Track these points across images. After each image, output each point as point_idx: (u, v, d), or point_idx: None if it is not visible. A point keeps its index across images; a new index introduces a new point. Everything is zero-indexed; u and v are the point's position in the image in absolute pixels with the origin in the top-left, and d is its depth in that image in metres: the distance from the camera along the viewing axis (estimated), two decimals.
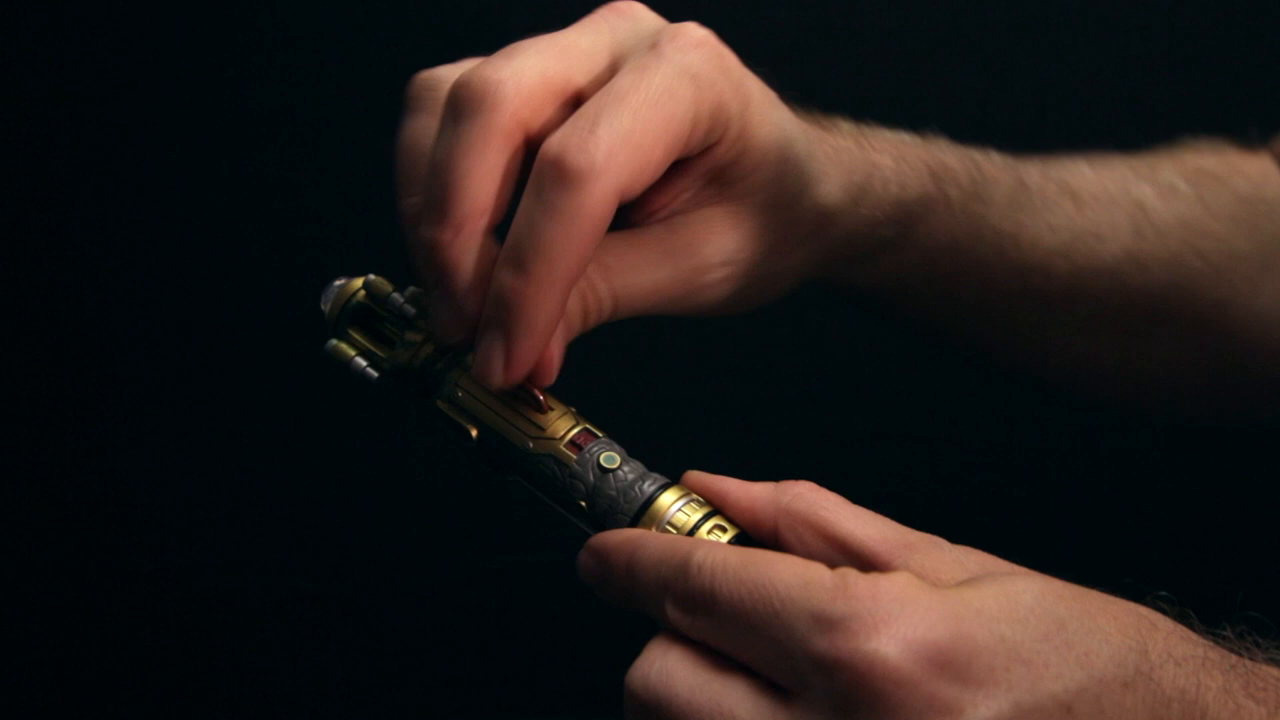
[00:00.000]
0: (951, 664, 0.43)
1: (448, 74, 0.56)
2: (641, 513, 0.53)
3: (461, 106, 0.52)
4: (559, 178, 0.50)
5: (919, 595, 0.44)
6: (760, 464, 1.19)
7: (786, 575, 0.45)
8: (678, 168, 0.55)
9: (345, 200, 1.16)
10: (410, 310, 0.58)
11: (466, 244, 0.53)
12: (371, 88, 1.16)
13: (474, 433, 0.56)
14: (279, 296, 1.15)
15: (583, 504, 0.54)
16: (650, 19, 0.56)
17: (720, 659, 0.46)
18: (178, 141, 1.16)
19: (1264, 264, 0.75)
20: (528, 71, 0.53)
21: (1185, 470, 1.18)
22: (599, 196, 0.50)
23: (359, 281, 0.61)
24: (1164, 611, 0.46)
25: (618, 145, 0.50)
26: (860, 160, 0.66)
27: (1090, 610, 0.45)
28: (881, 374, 1.17)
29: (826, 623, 0.43)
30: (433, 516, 1.17)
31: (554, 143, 0.50)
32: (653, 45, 0.53)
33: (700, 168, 0.57)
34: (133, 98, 1.15)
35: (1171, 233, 0.74)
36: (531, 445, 0.55)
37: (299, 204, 1.17)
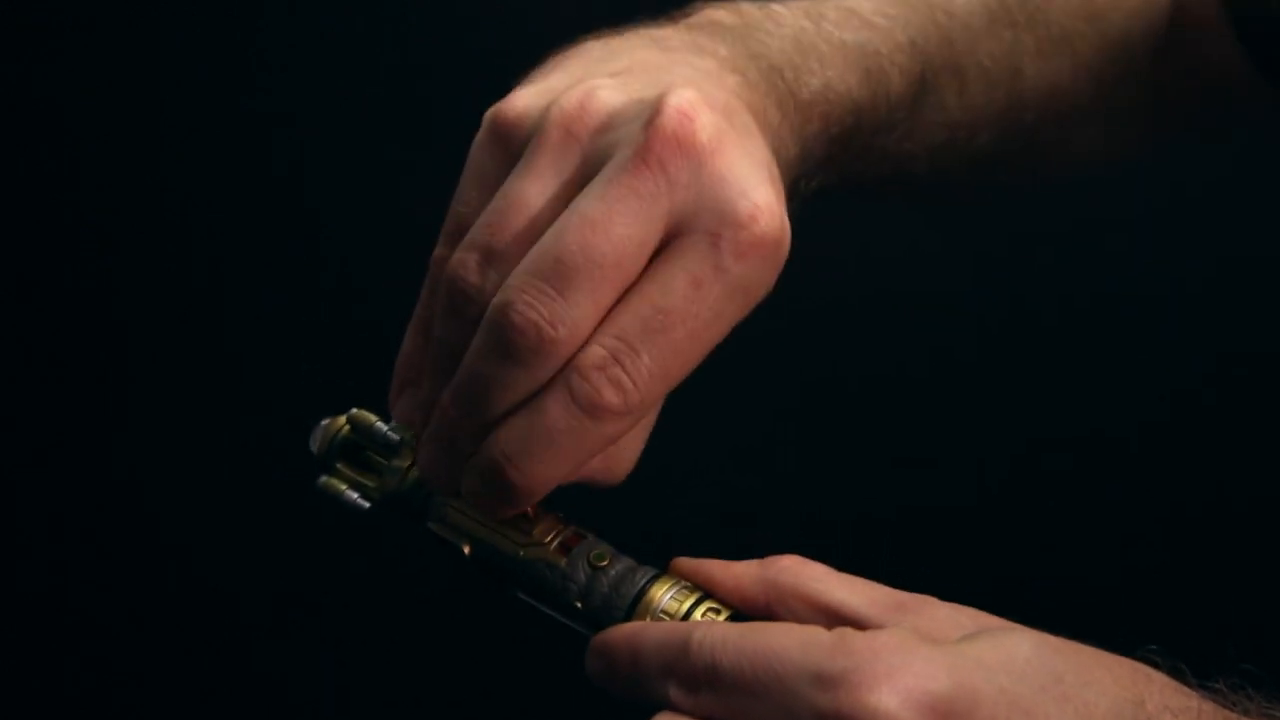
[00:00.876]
0: (953, 714, 0.43)
1: (531, 108, 0.54)
2: (635, 604, 0.54)
3: (512, 348, 0.49)
4: (590, 407, 0.49)
5: (917, 648, 0.45)
6: (754, 494, 1.19)
7: (785, 639, 0.46)
8: None
9: (344, 202, 1.17)
10: (394, 438, 0.60)
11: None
12: (376, 90, 1.17)
13: (466, 549, 0.57)
14: (279, 295, 1.15)
15: (578, 604, 0.55)
16: (709, 177, 0.49)
17: None
18: (177, 142, 1.16)
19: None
20: (583, 321, 0.49)
21: (1185, 483, 1.18)
22: (624, 428, 0.50)
23: (342, 419, 0.62)
24: (1156, 665, 0.46)
25: (657, 382, 0.49)
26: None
27: (1085, 664, 0.45)
28: (871, 395, 1.18)
29: (827, 680, 0.44)
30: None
31: (592, 360, 0.48)
32: (712, 241, 0.49)
33: None
34: (131, 99, 1.15)
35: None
36: (522, 553, 0.56)
37: (298, 205, 1.17)
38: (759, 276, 0.50)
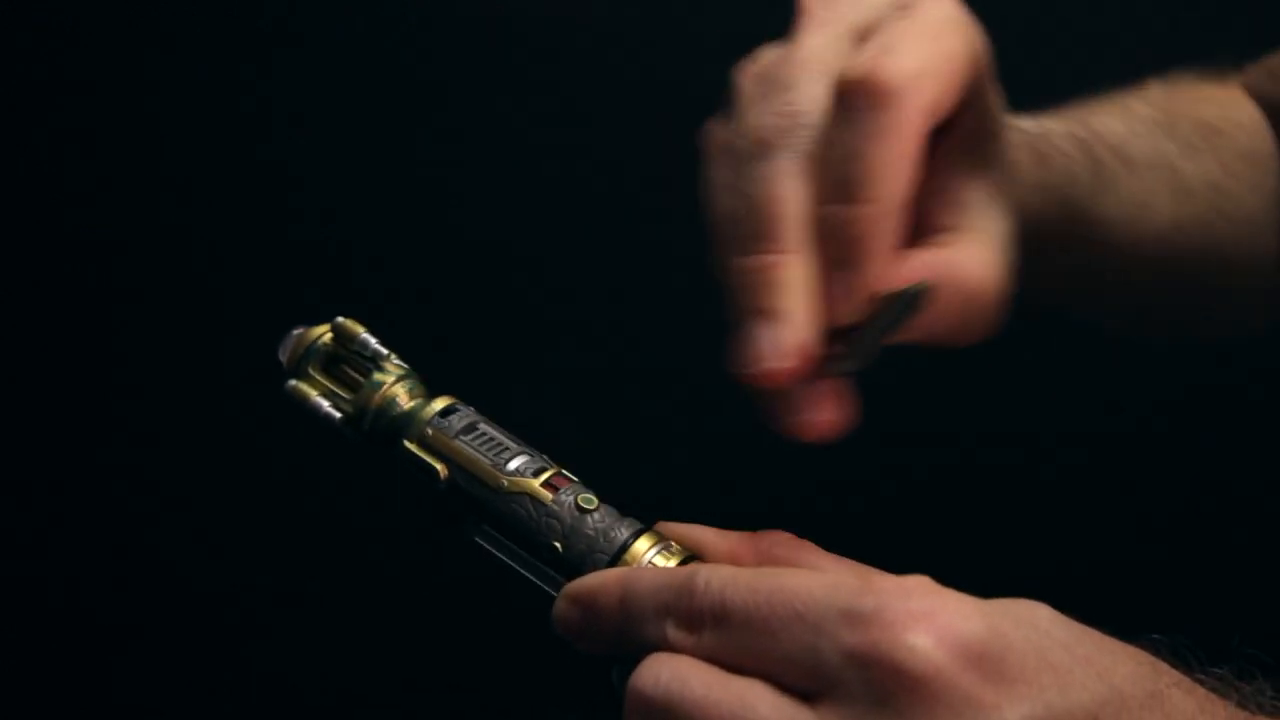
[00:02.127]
0: (986, 661, 0.42)
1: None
2: (621, 553, 0.52)
3: (860, 102, 0.50)
4: (872, 98, 0.49)
5: (948, 592, 0.44)
6: (751, 474, 1.19)
7: (805, 580, 0.45)
8: (938, 144, 0.53)
9: (344, 203, 1.16)
10: (382, 350, 0.57)
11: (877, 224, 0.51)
12: (368, 86, 1.17)
13: (443, 472, 0.55)
14: (279, 294, 1.15)
15: (557, 545, 0.53)
16: None
17: (730, 668, 0.45)
18: (177, 142, 1.16)
19: (1270, 222, 0.74)
20: (911, 63, 0.50)
21: (1185, 474, 1.18)
22: (912, 112, 0.50)
23: (322, 327, 0.59)
24: (1158, 653, 0.46)
25: (918, 63, 0.50)
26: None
27: (1097, 638, 0.45)
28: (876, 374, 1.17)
29: (859, 618, 0.43)
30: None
31: (856, 68, 0.50)
32: (902, 5, 0.52)
33: (960, 135, 0.55)
34: (131, 98, 1.15)
35: (1200, 194, 0.73)
36: (506, 484, 0.54)
37: (297, 206, 1.16)
38: (959, 15, 0.54)
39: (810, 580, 0.45)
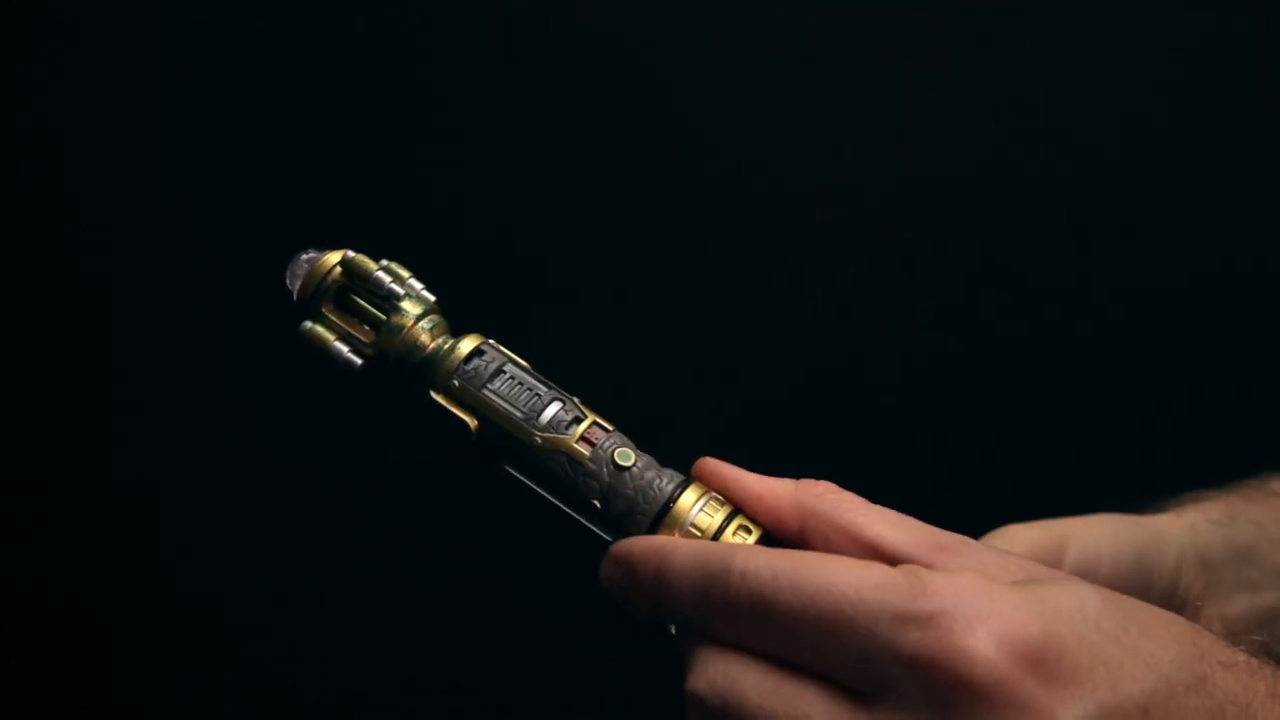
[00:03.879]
0: (1044, 663, 0.42)
1: None
2: (663, 514, 0.50)
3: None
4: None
5: (1000, 592, 0.43)
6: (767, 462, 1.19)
7: (850, 576, 0.44)
8: None
9: (344, 207, 1.16)
10: (398, 290, 0.53)
11: None
12: (367, 87, 1.16)
13: (473, 425, 0.52)
14: (279, 294, 1.14)
15: (596, 504, 0.51)
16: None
17: (781, 664, 0.45)
18: (176, 142, 1.16)
19: None
20: None
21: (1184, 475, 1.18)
22: None
23: (334, 257, 0.55)
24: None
25: None
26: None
27: (1144, 618, 0.45)
28: (885, 373, 1.17)
29: (913, 620, 0.42)
30: (432, 516, 1.17)
31: None
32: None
33: None
34: (129, 98, 1.15)
35: None
36: (540, 440, 0.51)
37: (296, 208, 1.16)
38: None
39: (858, 578, 0.44)
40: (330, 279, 0.54)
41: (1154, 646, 0.44)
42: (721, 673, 0.45)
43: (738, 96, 1.14)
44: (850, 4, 1.15)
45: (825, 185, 1.16)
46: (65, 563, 1.17)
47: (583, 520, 0.52)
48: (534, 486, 0.52)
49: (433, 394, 0.52)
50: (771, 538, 0.50)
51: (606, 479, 0.51)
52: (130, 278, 1.16)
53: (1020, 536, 0.59)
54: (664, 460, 0.53)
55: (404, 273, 0.54)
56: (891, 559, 0.47)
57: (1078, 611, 0.44)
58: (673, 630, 0.50)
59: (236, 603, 1.18)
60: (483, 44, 1.14)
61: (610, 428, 0.52)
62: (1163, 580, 0.61)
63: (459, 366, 0.52)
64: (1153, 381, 1.17)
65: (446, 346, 0.53)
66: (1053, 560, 0.58)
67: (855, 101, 1.16)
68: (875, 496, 0.51)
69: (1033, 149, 1.16)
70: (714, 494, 0.51)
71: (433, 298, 0.55)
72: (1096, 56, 1.16)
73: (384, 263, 0.54)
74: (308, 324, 0.54)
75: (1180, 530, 0.65)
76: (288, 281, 0.56)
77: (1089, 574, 0.58)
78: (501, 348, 0.54)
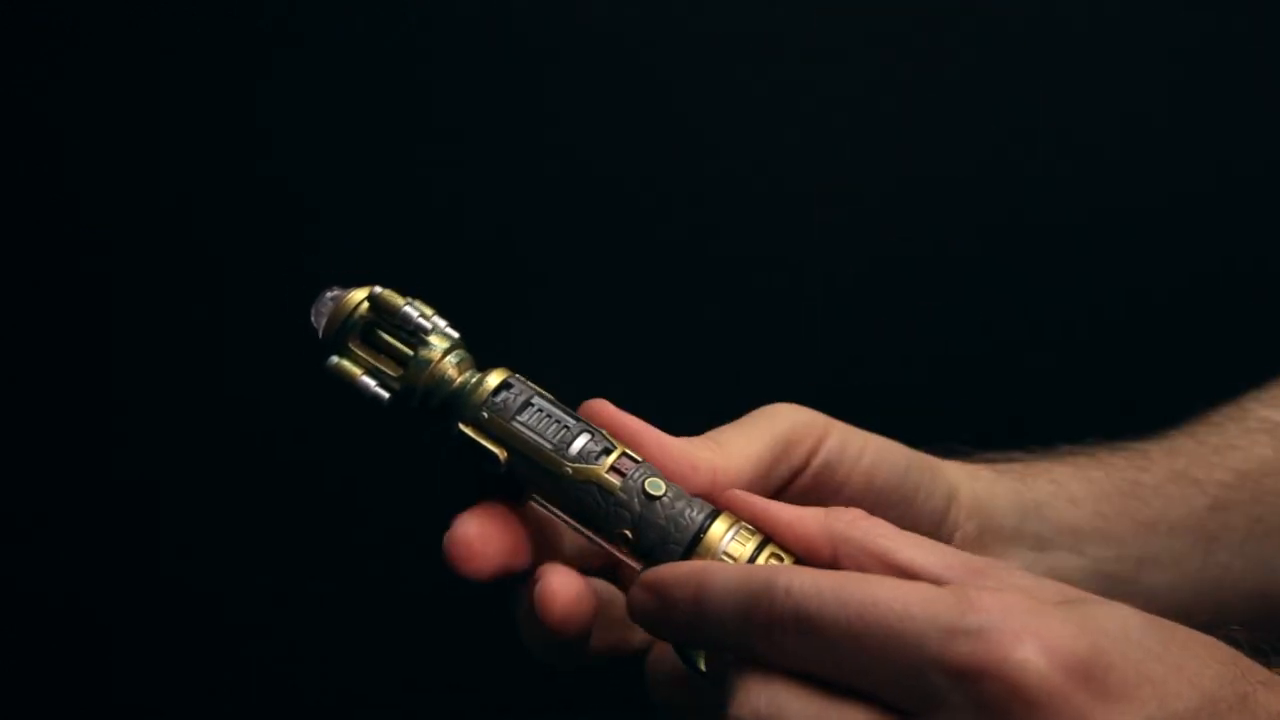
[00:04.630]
0: (1093, 678, 0.42)
1: None
2: (695, 543, 0.50)
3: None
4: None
5: (1048, 608, 0.43)
6: None
7: (897, 592, 0.44)
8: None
9: (344, 207, 1.16)
10: (425, 324, 0.54)
11: None
12: (359, 86, 1.16)
13: (503, 456, 0.52)
14: (279, 294, 1.15)
15: (628, 533, 0.51)
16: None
17: (825, 686, 0.44)
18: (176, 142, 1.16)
19: None
20: None
21: None
22: None
23: (359, 294, 0.56)
24: (1238, 643, 0.46)
25: None
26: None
27: (1183, 638, 0.45)
28: (890, 376, 1.17)
29: (964, 634, 0.42)
30: (432, 516, 1.17)
31: None
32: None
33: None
34: (129, 98, 1.15)
35: None
36: (570, 470, 0.52)
37: (296, 208, 1.16)
38: None
39: (904, 594, 0.44)
40: (357, 315, 0.55)
41: (1197, 665, 0.44)
42: (766, 698, 0.44)
43: (738, 96, 1.14)
44: (850, 4, 1.15)
45: (825, 185, 1.16)
46: (65, 563, 1.17)
47: (613, 550, 0.52)
48: (564, 517, 0.53)
49: (461, 426, 0.53)
50: (805, 565, 0.50)
51: (638, 509, 0.51)
52: (130, 278, 1.16)
53: (784, 415, 0.58)
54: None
55: (429, 310, 0.55)
56: (927, 582, 0.46)
57: (1121, 629, 0.44)
58: (701, 666, 0.50)
59: (236, 603, 1.18)
60: (483, 44, 1.14)
61: (639, 459, 0.52)
62: (931, 502, 0.60)
63: (487, 399, 0.53)
64: (1153, 381, 1.17)
65: (474, 380, 0.54)
66: (812, 441, 0.57)
67: (855, 101, 1.16)
68: None
69: (1033, 149, 1.16)
70: (744, 524, 0.51)
71: (457, 334, 0.56)
72: (1096, 56, 1.16)
73: (409, 300, 0.55)
74: (335, 359, 0.55)
75: (959, 471, 0.65)
76: (313, 319, 0.56)
77: (849, 464, 0.58)
78: (528, 381, 0.55)
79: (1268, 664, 0.46)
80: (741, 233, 1.16)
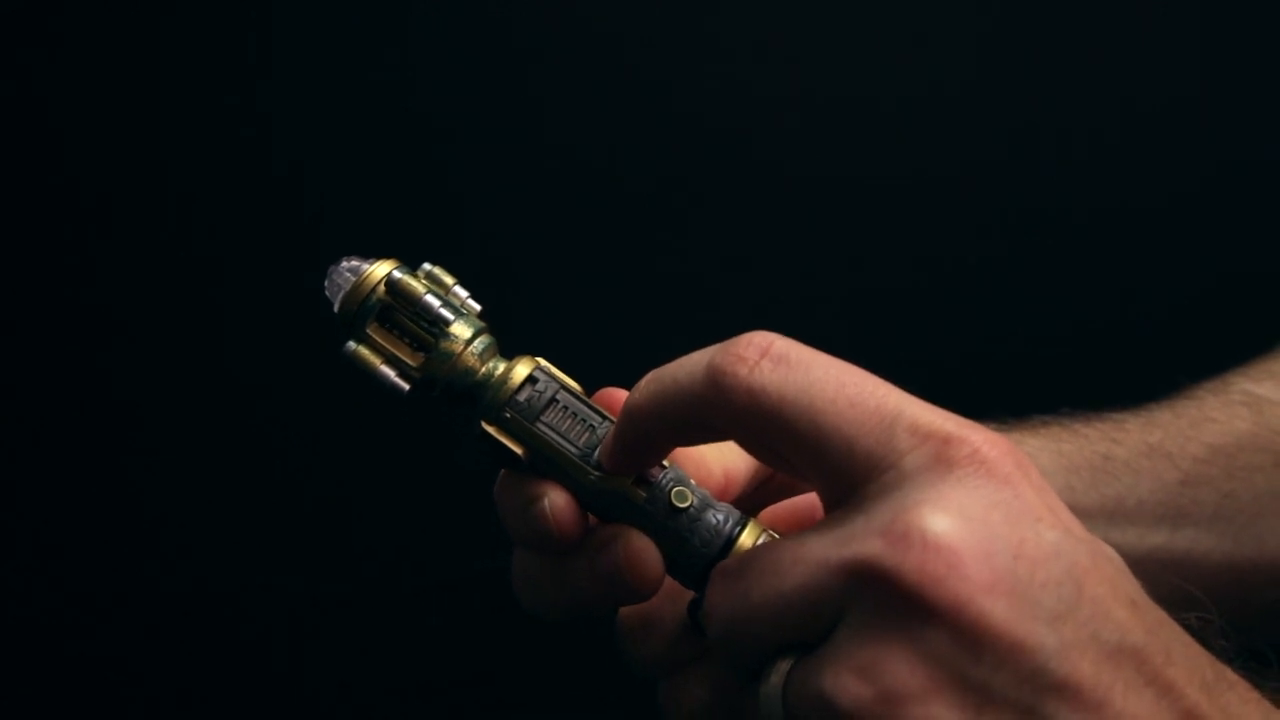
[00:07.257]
0: (1145, 663, 0.41)
1: None
2: (723, 555, 0.49)
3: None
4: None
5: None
6: None
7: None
8: None
9: (347, 202, 1.16)
10: (447, 315, 0.51)
11: None
12: (367, 83, 1.17)
13: (524, 455, 0.50)
14: (279, 294, 1.15)
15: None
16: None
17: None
18: (175, 142, 1.16)
19: None
20: None
21: None
22: None
23: (378, 272, 0.52)
24: (1190, 629, 0.45)
25: None
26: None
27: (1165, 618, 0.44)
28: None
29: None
30: (433, 516, 1.17)
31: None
32: None
33: None
34: (129, 98, 1.15)
35: None
36: (594, 478, 0.49)
37: (297, 207, 1.16)
38: None
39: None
40: (375, 298, 0.51)
41: (1178, 644, 0.43)
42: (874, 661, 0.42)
43: (738, 96, 1.14)
44: (850, 4, 1.15)
45: (825, 185, 1.16)
46: (65, 563, 1.17)
47: None
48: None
49: (484, 425, 0.51)
50: None
51: (663, 519, 0.49)
52: (130, 278, 1.16)
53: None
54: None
55: (448, 279, 0.53)
56: None
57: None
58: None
59: (237, 603, 1.18)
60: (482, 44, 1.14)
61: (666, 463, 0.50)
62: None
63: (510, 398, 0.51)
64: (1153, 381, 1.17)
65: (498, 373, 0.51)
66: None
67: (855, 101, 1.16)
68: None
69: (1033, 149, 1.17)
70: (771, 531, 0.50)
71: (479, 307, 0.53)
72: (1097, 56, 1.16)
73: (427, 269, 0.53)
74: (352, 345, 0.51)
75: None
76: (327, 290, 0.53)
77: None
78: (553, 370, 0.52)
79: (1267, 667, 0.45)
80: (741, 232, 1.16)
